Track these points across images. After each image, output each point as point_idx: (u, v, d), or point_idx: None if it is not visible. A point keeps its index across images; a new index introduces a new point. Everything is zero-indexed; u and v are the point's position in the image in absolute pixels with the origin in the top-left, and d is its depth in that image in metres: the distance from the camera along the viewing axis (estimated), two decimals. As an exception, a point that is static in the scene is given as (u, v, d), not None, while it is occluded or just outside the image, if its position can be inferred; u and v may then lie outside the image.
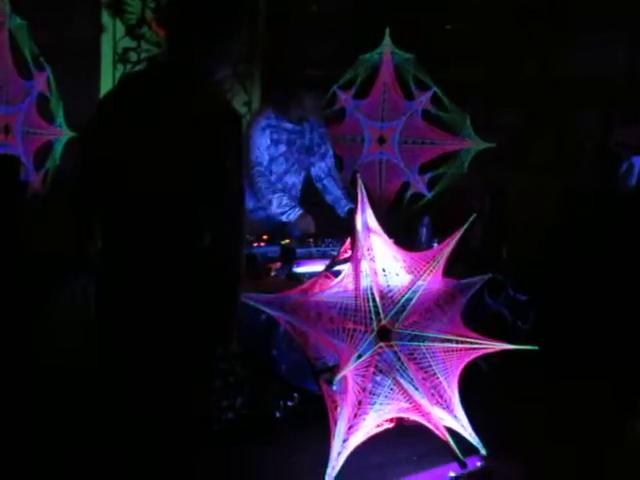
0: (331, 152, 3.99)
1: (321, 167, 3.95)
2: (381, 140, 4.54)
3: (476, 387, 2.95)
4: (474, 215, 2.77)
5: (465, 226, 2.79)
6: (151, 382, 2.23)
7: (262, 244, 3.33)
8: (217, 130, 2.13)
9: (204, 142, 2.11)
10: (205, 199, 2.14)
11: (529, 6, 4.57)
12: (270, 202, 3.66)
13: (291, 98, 3.71)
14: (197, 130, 2.11)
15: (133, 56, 4.59)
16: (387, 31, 4.44)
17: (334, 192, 3.96)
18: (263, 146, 3.71)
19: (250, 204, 3.63)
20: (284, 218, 3.66)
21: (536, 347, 2.80)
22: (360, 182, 2.74)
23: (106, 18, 4.47)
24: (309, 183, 4.02)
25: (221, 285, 2.19)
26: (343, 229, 3.28)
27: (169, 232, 2.16)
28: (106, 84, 4.46)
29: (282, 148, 3.78)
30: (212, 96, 2.21)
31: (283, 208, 3.66)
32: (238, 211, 2.19)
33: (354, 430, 2.71)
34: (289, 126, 3.79)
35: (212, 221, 2.15)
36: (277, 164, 3.78)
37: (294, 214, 3.65)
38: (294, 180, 3.89)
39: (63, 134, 4.21)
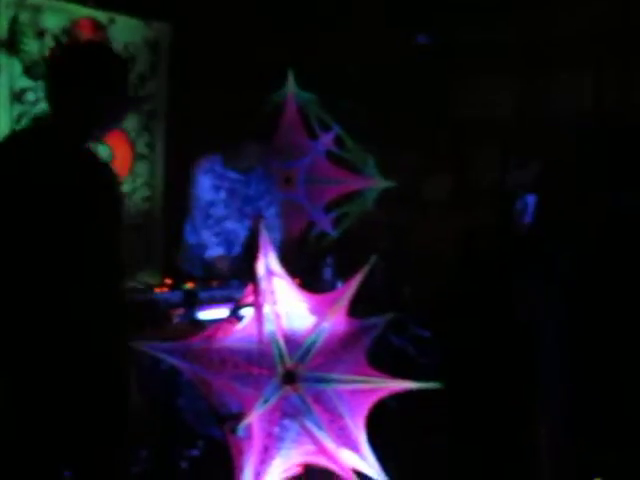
0: (275, 205, 4.01)
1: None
2: (287, 180, 4.56)
3: (384, 426, 2.96)
4: (374, 257, 2.81)
5: (367, 267, 2.83)
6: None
7: (165, 289, 3.27)
8: (92, 188, 2.17)
9: (77, 200, 2.14)
10: (78, 259, 2.14)
11: (424, 49, 4.72)
12: (200, 235, 3.80)
13: (237, 148, 3.76)
14: (71, 189, 2.14)
15: (31, 96, 4.47)
16: (290, 72, 4.48)
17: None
18: (204, 186, 3.79)
19: (191, 239, 3.86)
20: (205, 253, 3.79)
21: (439, 384, 2.84)
22: (262, 226, 2.75)
23: (3, 57, 4.34)
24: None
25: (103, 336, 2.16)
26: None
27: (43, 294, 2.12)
28: (3, 124, 4.31)
29: (222, 194, 3.82)
30: (87, 156, 2.24)
31: (208, 242, 3.79)
32: (115, 264, 2.20)
33: (261, 477, 2.67)
34: (233, 175, 3.82)
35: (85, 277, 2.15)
36: (216, 208, 3.84)
37: (213, 252, 3.78)
38: (234, 227, 3.91)
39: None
